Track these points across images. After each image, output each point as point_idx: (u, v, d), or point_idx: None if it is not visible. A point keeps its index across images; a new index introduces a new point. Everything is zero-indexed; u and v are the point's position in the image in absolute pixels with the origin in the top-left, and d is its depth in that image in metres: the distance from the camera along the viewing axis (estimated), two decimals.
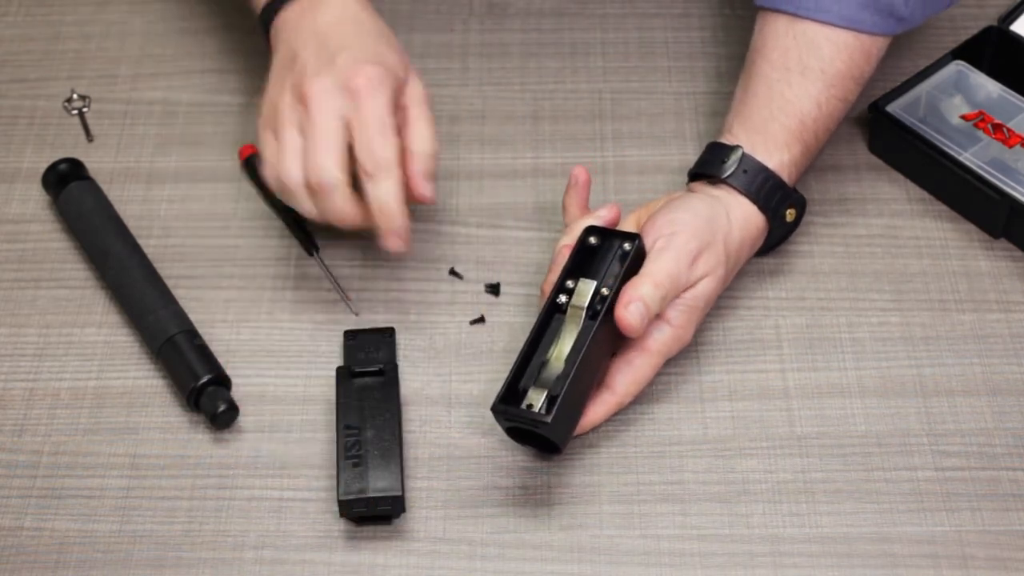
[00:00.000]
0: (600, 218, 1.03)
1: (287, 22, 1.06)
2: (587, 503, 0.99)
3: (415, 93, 1.04)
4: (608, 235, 1.01)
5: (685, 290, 1.00)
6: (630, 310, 0.96)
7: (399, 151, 1.00)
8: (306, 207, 1.01)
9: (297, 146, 1.00)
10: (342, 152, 0.99)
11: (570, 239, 1.02)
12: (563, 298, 0.99)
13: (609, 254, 1.00)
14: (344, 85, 1.00)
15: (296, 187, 1.00)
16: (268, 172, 1.02)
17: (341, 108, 0.99)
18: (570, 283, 0.99)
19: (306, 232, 1.11)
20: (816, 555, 0.96)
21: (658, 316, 1.00)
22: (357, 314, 1.08)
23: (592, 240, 1.01)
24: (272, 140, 1.02)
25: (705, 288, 1.01)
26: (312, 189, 1.00)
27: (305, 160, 0.99)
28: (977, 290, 1.09)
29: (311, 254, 1.10)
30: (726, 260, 1.02)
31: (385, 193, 0.99)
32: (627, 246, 1.00)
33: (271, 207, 1.14)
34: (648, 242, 1.01)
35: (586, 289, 0.98)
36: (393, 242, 1.01)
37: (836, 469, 1.00)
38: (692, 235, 1.00)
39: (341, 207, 1.00)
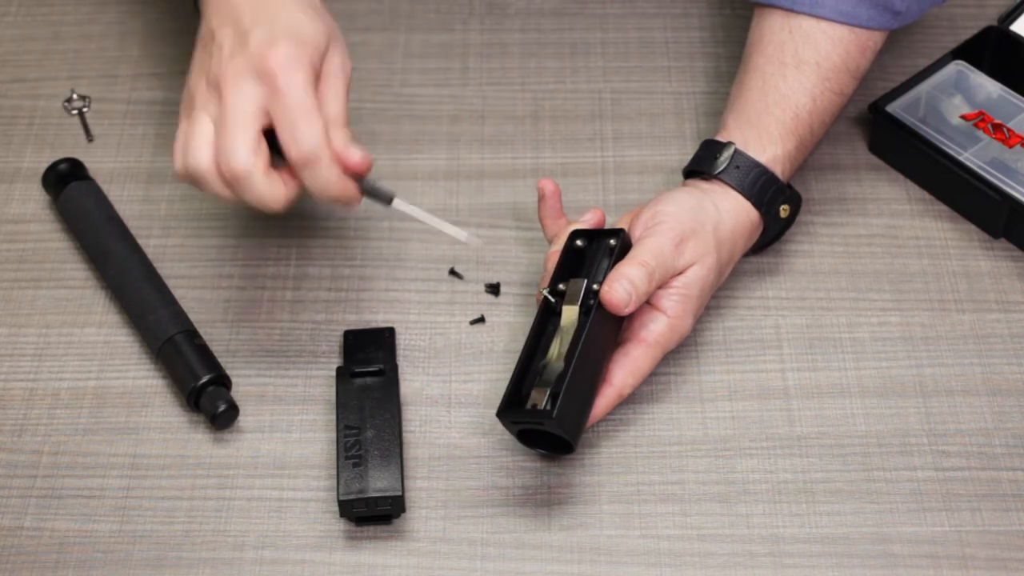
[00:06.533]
0: (585, 222, 1.05)
1: None
2: (587, 503, 0.99)
3: (332, 63, 0.96)
4: (594, 235, 1.02)
5: (675, 277, 1.00)
6: (614, 287, 0.97)
7: (324, 131, 0.93)
8: (219, 192, 0.94)
9: (207, 131, 0.94)
10: (255, 138, 0.93)
11: (558, 246, 1.03)
12: (556, 300, 0.99)
13: (597, 253, 1.01)
14: (258, 68, 0.92)
15: (205, 172, 0.93)
16: (176, 157, 0.95)
17: (255, 93, 0.93)
18: (562, 286, 0.99)
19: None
20: (816, 555, 0.96)
21: (653, 306, 1.00)
22: (480, 245, 1.01)
23: (579, 242, 1.02)
24: (184, 126, 0.95)
25: (695, 275, 1.01)
26: (225, 177, 0.93)
27: (216, 148, 0.93)
28: (977, 290, 1.09)
29: (387, 204, 0.98)
30: (716, 248, 1.02)
31: (318, 179, 0.93)
32: (612, 241, 1.01)
33: None
34: (634, 236, 1.02)
35: (577, 287, 0.99)
36: (345, 211, 0.95)
37: (836, 469, 1.00)
38: (676, 223, 1.01)
39: (259, 193, 0.93)
